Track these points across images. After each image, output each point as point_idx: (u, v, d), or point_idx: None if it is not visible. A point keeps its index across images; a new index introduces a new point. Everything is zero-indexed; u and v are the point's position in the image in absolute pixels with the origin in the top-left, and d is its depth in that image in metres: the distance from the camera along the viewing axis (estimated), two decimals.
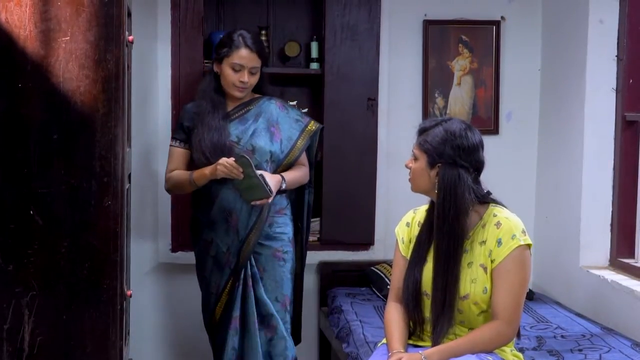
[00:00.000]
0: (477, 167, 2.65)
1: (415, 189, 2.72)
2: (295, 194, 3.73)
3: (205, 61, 4.20)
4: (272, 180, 3.43)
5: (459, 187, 2.59)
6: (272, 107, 3.60)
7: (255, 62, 3.50)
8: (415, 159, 2.68)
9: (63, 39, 2.60)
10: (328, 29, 4.33)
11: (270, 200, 3.41)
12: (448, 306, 2.58)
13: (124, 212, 2.77)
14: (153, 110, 4.20)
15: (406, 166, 2.73)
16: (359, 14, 4.33)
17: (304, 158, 3.67)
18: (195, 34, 4.16)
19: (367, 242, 4.45)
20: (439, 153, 2.61)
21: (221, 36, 3.65)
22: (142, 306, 4.16)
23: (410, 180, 2.73)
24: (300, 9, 4.55)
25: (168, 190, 3.67)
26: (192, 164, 3.59)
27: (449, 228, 2.59)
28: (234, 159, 3.35)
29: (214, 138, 3.46)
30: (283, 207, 3.60)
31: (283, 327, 3.53)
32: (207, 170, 3.43)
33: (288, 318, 3.60)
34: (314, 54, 4.44)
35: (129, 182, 3.06)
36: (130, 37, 2.86)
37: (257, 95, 3.61)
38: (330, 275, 4.44)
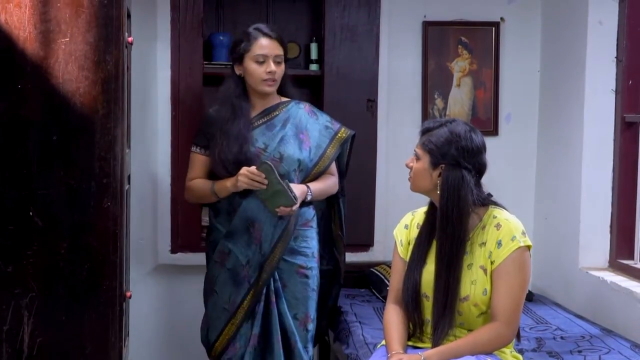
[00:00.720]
0: (480, 169, 2.65)
1: (415, 188, 2.72)
2: (325, 205, 3.59)
3: (206, 63, 4.20)
4: (297, 188, 3.25)
5: (462, 188, 2.59)
6: (301, 112, 3.41)
7: (278, 49, 3.29)
8: (418, 158, 2.68)
9: (62, 40, 2.60)
10: (327, 30, 4.33)
11: (295, 208, 3.22)
12: (449, 308, 2.58)
13: (123, 213, 2.77)
14: (152, 111, 4.20)
15: (407, 165, 2.72)
16: (359, 15, 4.33)
17: (333, 167, 3.49)
18: (195, 35, 4.16)
19: (366, 243, 4.45)
20: (443, 154, 2.61)
21: (234, 38, 3.46)
22: (142, 307, 4.16)
23: (410, 179, 2.72)
24: (300, 10, 4.55)
25: (188, 199, 3.51)
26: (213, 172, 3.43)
27: (451, 230, 2.59)
28: (255, 167, 3.17)
29: (234, 148, 3.24)
30: (309, 219, 3.41)
31: (301, 347, 3.34)
32: (228, 182, 3.25)
33: (308, 337, 3.38)
34: (314, 55, 4.44)
35: (129, 183, 3.07)
36: (130, 38, 2.86)
37: (284, 99, 3.42)
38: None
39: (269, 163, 3.15)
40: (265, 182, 3.15)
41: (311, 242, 3.39)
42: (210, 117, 3.37)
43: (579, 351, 3.28)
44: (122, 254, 2.75)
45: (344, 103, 4.35)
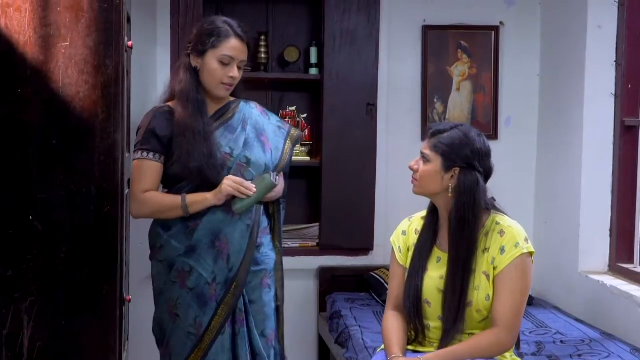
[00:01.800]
0: (488, 173, 2.66)
1: (420, 191, 2.67)
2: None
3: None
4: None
5: (477, 192, 2.59)
6: (255, 112, 3.13)
7: (245, 54, 3.02)
8: (426, 160, 2.63)
9: (62, 44, 2.60)
10: (327, 35, 4.34)
11: (279, 189, 3.00)
12: (462, 311, 2.58)
13: (123, 218, 2.76)
14: None
15: (411, 167, 2.68)
16: (358, 20, 4.34)
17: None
18: None
19: (366, 247, 4.45)
20: (458, 156, 2.59)
21: (200, 24, 3.08)
22: (142, 311, 4.15)
23: (415, 181, 2.67)
24: (300, 15, 4.56)
25: (139, 214, 3.04)
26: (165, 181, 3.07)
27: (468, 232, 2.58)
28: (252, 180, 2.93)
29: (205, 149, 2.92)
30: (266, 226, 3.13)
31: None
32: (209, 195, 2.93)
33: (272, 354, 3.11)
34: (313, 59, 4.45)
35: (128, 187, 3.06)
36: (130, 43, 2.86)
37: (231, 99, 3.11)
38: (330, 281, 4.44)
39: (270, 178, 2.93)
40: (252, 193, 2.92)
41: (270, 251, 3.13)
42: (164, 116, 2.99)
43: (579, 355, 3.28)
44: (122, 257, 2.75)
45: (344, 107, 4.35)
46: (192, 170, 2.93)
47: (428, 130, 2.69)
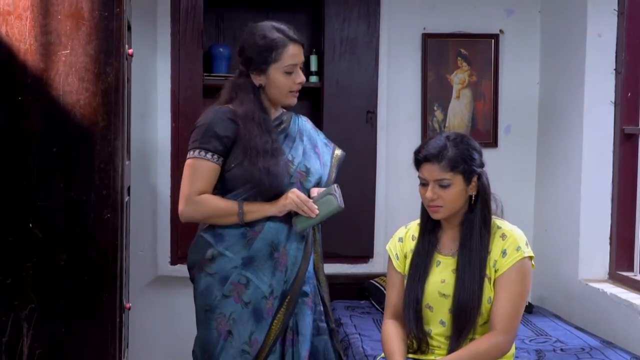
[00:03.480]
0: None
1: (448, 214, 2.61)
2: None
3: (206, 75, 4.21)
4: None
5: (490, 186, 2.65)
6: (308, 126, 3.01)
7: (302, 55, 2.89)
8: (446, 185, 2.57)
9: (63, 52, 2.61)
10: (327, 43, 4.34)
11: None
12: (475, 316, 2.58)
13: (123, 225, 2.77)
14: (152, 122, 4.21)
15: (431, 199, 2.59)
16: (358, 28, 4.35)
17: None
18: (195, 47, 4.18)
19: (366, 255, 4.45)
20: (474, 165, 2.60)
21: (249, 40, 2.85)
22: (141, 319, 4.16)
23: (438, 208, 2.60)
24: (300, 22, 4.56)
25: (190, 217, 2.82)
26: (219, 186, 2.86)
27: (488, 233, 2.61)
28: (313, 198, 2.78)
29: (275, 154, 2.76)
30: (312, 243, 2.95)
31: None
32: (267, 205, 2.77)
33: None
34: (313, 67, 4.45)
35: (128, 195, 3.06)
36: (130, 50, 2.87)
37: (282, 110, 2.97)
38: (329, 288, 4.42)
39: (335, 195, 2.77)
40: (315, 215, 2.77)
41: (312, 269, 2.95)
42: (226, 116, 2.80)
43: None
44: (121, 265, 2.75)
45: (344, 115, 4.36)
46: (255, 175, 2.74)
47: (424, 155, 2.60)
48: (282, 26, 2.85)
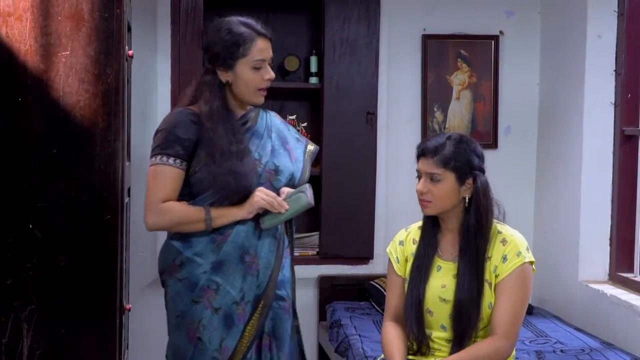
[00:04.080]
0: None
1: (436, 210, 2.62)
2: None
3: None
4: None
5: (490, 191, 2.62)
6: (277, 121, 2.90)
7: (271, 50, 2.77)
8: (437, 180, 2.58)
9: (63, 53, 2.61)
10: (327, 44, 4.35)
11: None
12: (476, 321, 2.58)
13: (123, 226, 2.77)
14: (153, 123, 4.20)
15: (420, 192, 2.60)
16: (358, 29, 4.35)
17: None
18: (195, 48, 4.17)
19: (366, 256, 4.45)
20: (469, 166, 2.59)
21: (215, 35, 2.77)
22: (141, 320, 4.15)
23: (427, 203, 2.61)
24: (300, 24, 4.57)
25: (155, 228, 2.77)
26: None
27: (482, 240, 2.59)
28: (284, 196, 2.70)
29: (240, 155, 2.66)
30: (286, 246, 2.86)
31: None
32: (235, 209, 2.66)
33: None
34: (314, 68, 4.46)
35: (128, 196, 3.07)
36: (130, 52, 2.87)
37: (250, 107, 2.85)
38: (329, 289, 4.44)
39: (308, 201, 2.70)
40: (284, 210, 2.70)
41: (287, 272, 2.86)
42: (188, 118, 2.69)
43: None
44: (121, 266, 2.75)
45: (344, 116, 4.36)
46: (221, 178, 2.63)
47: (422, 149, 2.62)
48: (250, 21, 2.76)
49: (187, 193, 2.71)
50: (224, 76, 2.72)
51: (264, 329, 2.73)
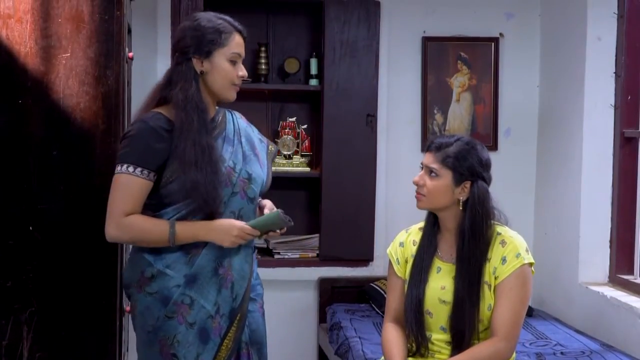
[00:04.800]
0: (489, 182, 2.67)
1: (427, 206, 2.65)
2: None
3: None
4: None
5: (488, 201, 2.61)
6: (243, 123, 2.74)
7: (244, 51, 2.65)
8: (434, 175, 2.61)
9: (63, 55, 2.61)
10: (327, 46, 4.35)
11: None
12: (475, 323, 2.58)
13: None
14: None
15: (416, 183, 2.64)
16: (358, 31, 4.35)
17: None
18: None
19: (366, 258, 4.45)
20: (469, 169, 2.59)
21: (193, 23, 2.60)
22: None
23: (421, 196, 2.64)
24: (300, 26, 4.57)
25: (114, 241, 2.55)
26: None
27: (480, 243, 2.58)
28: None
29: (211, 166, 2.50)
30: (254, 251, 2.75)
31: None
32: (209, 235, 2.51)
33: None
34: (314, 70, 4.46)
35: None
36: (130, 54, 2.87)
37: (217, 107, 2.69)
38: (330, 292, 4.43)
39: (284, 220, 2.58)
40: (257, 234, 2.59)
41: (256, 273, 2.74)
42: (159, 124, 2.51)
43: None
44: (121, 269, 2.75)
45: (344, 118, 4.36)
46: (197, 188, 2.48)
47: (430, 143, 2.67)
48: (226, 16, 2.63)
49: (156, 203, 2.53)
50: (199, 66, 2.55)
51: (241, 340, 2.62)
